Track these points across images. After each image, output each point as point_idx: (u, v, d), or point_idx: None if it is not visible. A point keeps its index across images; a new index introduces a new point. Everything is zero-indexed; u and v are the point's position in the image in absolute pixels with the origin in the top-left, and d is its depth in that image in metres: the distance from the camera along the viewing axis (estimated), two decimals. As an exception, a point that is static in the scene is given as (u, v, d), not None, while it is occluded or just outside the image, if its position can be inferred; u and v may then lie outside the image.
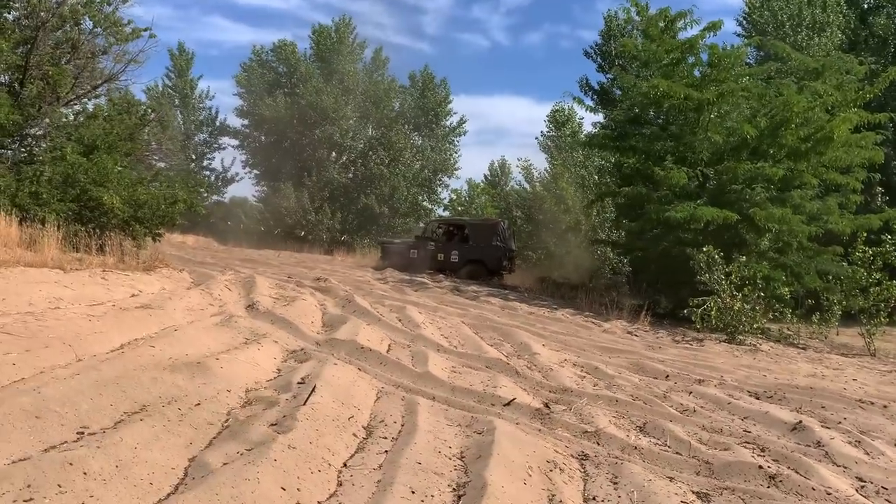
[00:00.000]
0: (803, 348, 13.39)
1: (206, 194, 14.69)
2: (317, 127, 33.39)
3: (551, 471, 4.06)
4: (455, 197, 42.30)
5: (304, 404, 4.37)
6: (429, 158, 35.58)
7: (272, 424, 4.08)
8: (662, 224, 15.06)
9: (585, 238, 20.97)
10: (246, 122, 35.75)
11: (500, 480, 3.67)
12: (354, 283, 14.42)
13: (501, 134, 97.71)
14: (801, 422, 5.95)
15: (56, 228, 10.30)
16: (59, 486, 2.83)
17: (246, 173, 36.70)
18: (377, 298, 11.61)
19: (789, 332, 14.37)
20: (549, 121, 29.21)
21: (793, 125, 14.22)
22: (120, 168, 12.09)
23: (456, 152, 36.86)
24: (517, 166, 29.69)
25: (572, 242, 21.49)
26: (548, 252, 21.85)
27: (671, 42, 15.40)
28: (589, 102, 32.48)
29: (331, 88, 33.26)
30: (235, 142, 36.07)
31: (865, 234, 14.08)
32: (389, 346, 7.39)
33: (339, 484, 3.58)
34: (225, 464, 3.46)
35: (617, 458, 4.54)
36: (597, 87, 33.40)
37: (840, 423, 6.39)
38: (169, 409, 4.08)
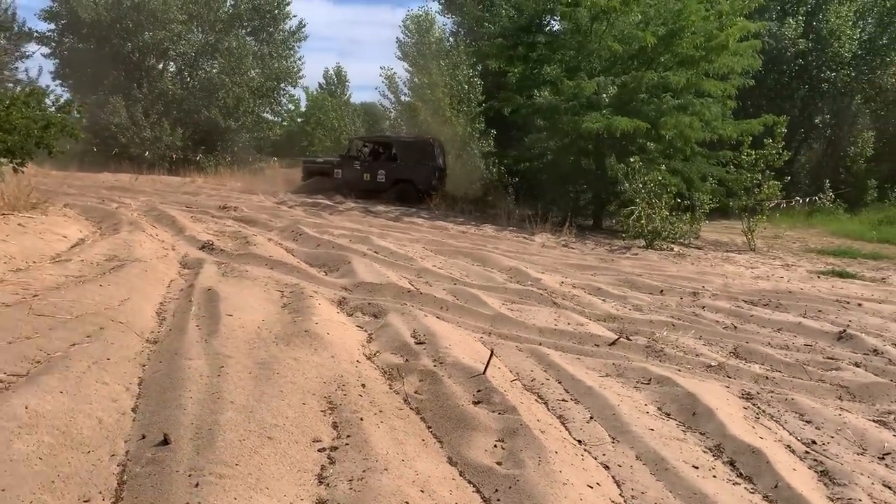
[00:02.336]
0: (699, 248, 14.26)
1: (78, 115, 12.21)
2: (142, 31, 29.79)
3: (758, 418, 3.89)
4: (293, 108, 40.17)
5: (485, 373, 3.84)
6: (269, 66, 33.13)
7: (476, 402, 3.54)
8: (568, 135, 15.15)
9: (465, 151, 20.67)
10: (53, 25, 31.09)
11: (749, 439, 3.44)
12: (262, 209, 13.28)
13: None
14: (844, 331, 6.22)
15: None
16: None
17: (58, 85, 32.19)
18: (315, 228, 10.73)
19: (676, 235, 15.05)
20: (404, 27, 28.13)
21: (689, 33, 14.61)
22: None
23: (298, 59, 34.63)
24: (380, 76, 28.36)
25: (452, 155, 21.13)
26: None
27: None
28: (437, 7, 31.85)
29: (155, -14, 29.59)
30: (47, 50, 31.35)
31: (751, 138, 15.01)
32: (412, 283, 6.81)
33: (606, 467, 3.17)
34: (499, 462, 2.94)
35: (771, 392, 4.46)
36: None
37: (849, 325, 6.79)
38: (352, 398, 3.42)
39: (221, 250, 7.89)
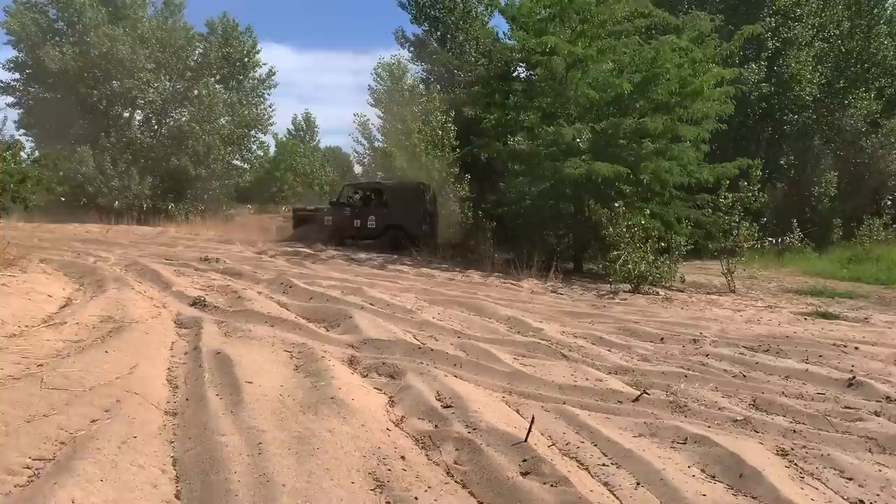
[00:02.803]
0: (682, 291, 14.33)
1: (54, 166, 11.64)
2: (111, 80, 29.53)
3: (802, 477, 3.82)
4: (263, 154, 40.05)
5: (526, 441, 3.71)
6: (238, 113, 33.02)
7: (525, 473, 3.41)
8: (548, 180, 15.28)
9: (441, 195, 20.72)
10: (18, 75, 30.69)
11: (802, 502, 3.36)
12: (244, 260, 13.06)
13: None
14: (854, 377, 6.22)
15: None
16: None
17: (22, 134, 31.71)
18: (303, 279, 10.55)
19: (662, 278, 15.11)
20: (376, 74, 28.37)
21: (664, 80, 14.89)
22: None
23: (269, 106, 34.62)
24: (353, 122, 28.44)
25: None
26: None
27: (550, -4, 15.37)
28: (406, 53, 32.28)
29: (126, 37, 29.45)
30: (10, 99, 30.88)
31: (728, 182, 15.26)
32: (416, 337, 6.68)
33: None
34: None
35: (804, 447, 4.40)
36: (412, 38, 33.02)
37: (853, 371, 6.80)
38: (396, 472, 3.28)
39: (215, 307, 7.68)
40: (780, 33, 27.25)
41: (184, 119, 31.15)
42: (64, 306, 7.06)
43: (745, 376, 6.36)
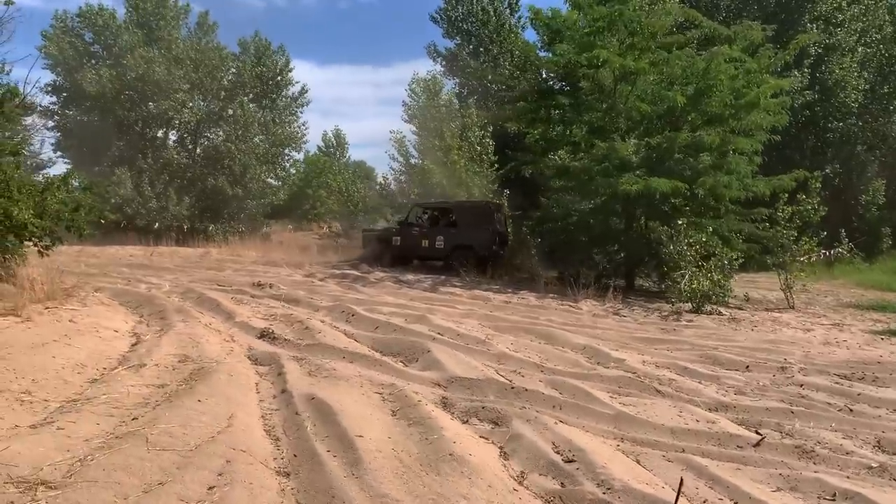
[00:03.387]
0: (741, 308, 13.87)
1: (109, 195, 11.69)
2: (147, 102, 29.71)
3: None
4: (295, 172, 40.05)
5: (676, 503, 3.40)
6: (273, 132, 33.03)
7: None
8: (601, 196, 14.94)
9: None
10: (54, 98, 30.95)
11: None
12: (296, 284, 12.88)
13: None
14: (974, 413, 5.83)
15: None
16: None
17: (59, 157, 32.02)
18: (360, 305, 10.31)
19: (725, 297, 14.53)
20: (411, 90, 28.20)
21: (717, 92, 14.51)
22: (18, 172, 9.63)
23: (302, 124, 34.61)
24: (390, 139, 28.26)
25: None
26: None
27: (598, 10, 15.06)
28: (440, 68, 32.17)
29: (161, 58, 29.62)
30: (50, 122, 31.10)
31: (787, 195, 14.78)
32: (499, 372, 6.39)
33: None
34: None
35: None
36: (444, 52, 32.92)
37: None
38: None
39: (285, 339, 7.46)
40: (822, 39, 26.66)
41: (219, 139, 31.21)
42: (134, 343, 6.87)
43: (851, 410, 6.00)
